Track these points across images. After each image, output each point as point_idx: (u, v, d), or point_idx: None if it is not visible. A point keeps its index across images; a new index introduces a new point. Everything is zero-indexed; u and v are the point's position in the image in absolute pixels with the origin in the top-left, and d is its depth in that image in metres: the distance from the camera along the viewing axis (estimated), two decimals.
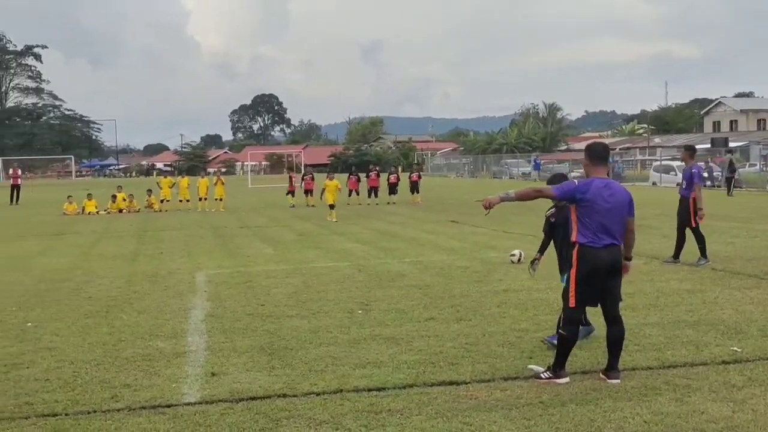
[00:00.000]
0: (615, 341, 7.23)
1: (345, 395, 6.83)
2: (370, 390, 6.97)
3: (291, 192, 37.28)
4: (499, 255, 15.74)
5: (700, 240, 14.19)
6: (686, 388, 6.81)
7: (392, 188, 38.52)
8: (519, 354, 8.10)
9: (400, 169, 51.61)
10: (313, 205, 34.88)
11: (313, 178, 37.37)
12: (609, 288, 7.15)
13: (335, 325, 9.67)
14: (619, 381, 7.03)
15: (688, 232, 14.38)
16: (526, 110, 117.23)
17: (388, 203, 36.67)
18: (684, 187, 14.52)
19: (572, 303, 7.18)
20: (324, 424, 6.13)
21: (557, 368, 7.12)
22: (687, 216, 14.34)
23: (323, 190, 30.14)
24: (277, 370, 7.66)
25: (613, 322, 7.25)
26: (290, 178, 39.14)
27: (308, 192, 36.43)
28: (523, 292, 11.70)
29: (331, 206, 28.02)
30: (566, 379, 7.07)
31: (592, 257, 7.03)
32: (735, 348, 8.11)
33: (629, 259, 7.36)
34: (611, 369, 7.17)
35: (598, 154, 7.34)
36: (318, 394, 6.87)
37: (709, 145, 62.24)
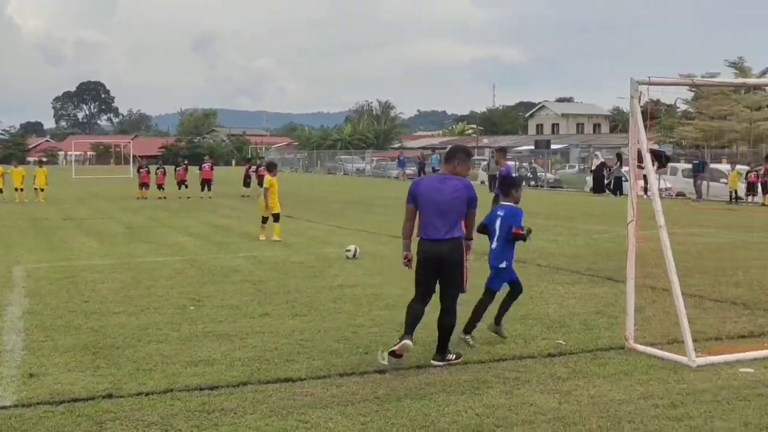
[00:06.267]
0: (441, 328, 7.61)
1: (175, 395, 6.57)
2: (202, 389, 6.74)
3: (144, 185, 35.87)
4: (335, 250, 15.72)
5: None
6: (516, 380, 7.01)
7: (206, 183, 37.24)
8: (354, 349, 8.08)
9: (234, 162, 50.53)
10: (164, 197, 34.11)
11: (162, 172, 36.31)
12: (443, 279, 7.51)
13: (165, 321, 9.32)
14: (439, 363, 7.47)
15: None
16: (360, 107, 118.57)
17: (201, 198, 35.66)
18: (497, 186, 14.91)
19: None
20: (153, 426, 5.86)
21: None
22: None
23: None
24: (102, 370, 7.28)
25: (444, 312, 7.60)
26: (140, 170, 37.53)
27: (152, 186, 35.38)
28: (358, 287, 11.72)
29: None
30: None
31: (425, 248, 7.45)
32: (560, 341, 8.43)
33: (470, 239, 7.72)
34: (436, 352, 7.60)
35: (445, 156, 7.92)
36: (146, 395, 6.58)
37: (533, 147, 65.14)
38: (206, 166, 37.10)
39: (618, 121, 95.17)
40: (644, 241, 8.34)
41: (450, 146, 8.66)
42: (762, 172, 31.45)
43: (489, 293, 8.54)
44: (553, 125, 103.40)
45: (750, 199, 32.08)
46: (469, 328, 8.32)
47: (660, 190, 36.43)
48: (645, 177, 32.01)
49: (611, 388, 6.78)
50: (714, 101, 62.62)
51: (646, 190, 39.02)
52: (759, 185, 31.54)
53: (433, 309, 7.70)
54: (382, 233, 19.38)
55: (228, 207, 29.99)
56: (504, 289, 8.67)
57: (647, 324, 8.91)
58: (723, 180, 34.93)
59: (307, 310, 10.04)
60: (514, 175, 15.67)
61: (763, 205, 30.45)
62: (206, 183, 36.38)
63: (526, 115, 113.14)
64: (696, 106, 67.55)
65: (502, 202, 8.76)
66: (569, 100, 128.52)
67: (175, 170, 38.07)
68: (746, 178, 32.26)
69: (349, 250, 14.81)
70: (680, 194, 37.60)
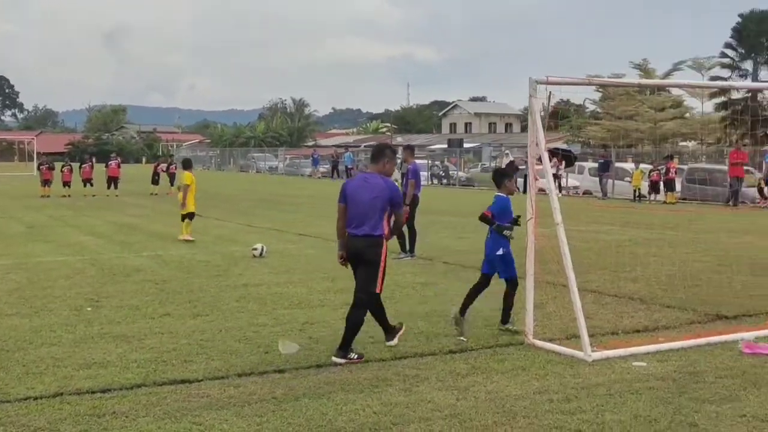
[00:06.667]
0: (346, 322, 7.68)
1: (65, 399, 6.35)
2: (93, 392, 6.54)
3: (47, 182, 34.68)
4: (241, 249, 15.53)
5: (413, 235, 14.66)
6: (415, 378, 7.02)
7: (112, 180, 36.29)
8: (255, 349, 7.97)
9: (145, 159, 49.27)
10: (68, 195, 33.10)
11: (68, 169, 35.18)
12: (358, 273, 7.76)
13: (60, 323, 9.03)
14: (339, 361, 7.45)
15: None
16: (274, 105, 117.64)
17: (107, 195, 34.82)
18: (404, 183, 14.98)
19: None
20: (39, 431, 5.66)
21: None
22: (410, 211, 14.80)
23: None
24: None
25: (352, 307, 7.73)
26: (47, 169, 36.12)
27: (57, 184, 34.27)
28: (263, 286, 11.59)
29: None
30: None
31: (348, 243, 7.79)
32: (461, 338, 8.49)
33: (389, 238, 7.88)
34: (338, 348, 7.59)
35: (372, 155, 8.19)
36: (35, 399, 6.35)
37: (446, 146, 65.78)
38: (113, 163, 36.26)
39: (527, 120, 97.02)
40: (546, 238, 8.48)
41: (376, 144, 8.85)
42: (664, 171, 32.43)
43: (484, 277, 8.88)
44: (466, 124, 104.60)
45: (653, 197, 33.05)
46: (463, 311, 8.66)
47: (568, 188, 37.22)
48: (556, 176, 32.63)
49: (508, 384, 6.85)
50: (620, 102, 64.46)
51: (560, 187, 39.41)
52: (661, 184, 32.50)
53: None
54: (291, 231, 19.31)
55: (135, 205, 29.32)
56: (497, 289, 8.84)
57: (547, 320, 9.06)
58: (627, 179, 35.90)
59: (209, 310, 9.87)
60: (421, 172, 15.74)
61: (665, 203, 31.42)
62: (112, 181, 35.51)
63: (440, 114, 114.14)
64: (603, 107, 69.43)
65: (497, 194, 9.08)
66: (482, 99, 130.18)
67: (80, 168, 37.05)
68: (649, 177, 33.22)
69: (255, 249, 14.65)
70: (587, 192, 38.54)
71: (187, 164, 18.47)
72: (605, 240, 17.44)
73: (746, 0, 74.57)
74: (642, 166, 34.67)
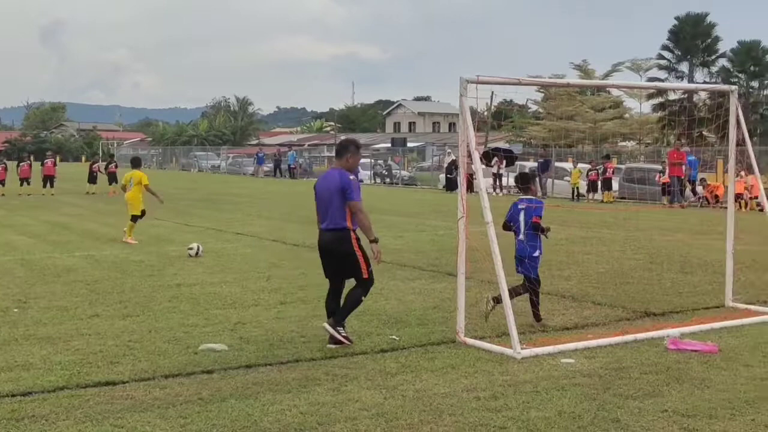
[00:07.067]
0: (347, 296, 8.17)
1: None
2: (14, 395, 6.39)
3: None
4: (177, 248, 15.33)
5: None
6: (344, 377, 7.00)
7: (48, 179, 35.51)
8: (184, 350, 7.87)
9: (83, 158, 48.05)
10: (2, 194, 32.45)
11: (2, 167, 34.44)
12: (339, 269, 8.15)
13: None
14: (329, 329, 7.96)
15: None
16: (217, 103, 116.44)
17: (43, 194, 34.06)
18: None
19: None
20: None
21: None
22: None
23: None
24: None
25: (354, 287, 8.19)
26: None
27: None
28: (197, 286, 11.46)
29: None
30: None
31: (319, 238, 8.21)
32: (393, 336, 8.50)
33: (374, 241, 8.08)
34: (332, 317, 8.08)
35: (336, 150, 8.45)
36: None
37: (389, 145, 65.90)
38: (48, 161, 35.49)
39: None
40: (483, 237, 8.51)
41: (340, 140, 9.27)
42: (602, 170, 32.92)
43: (532, 281, 9.24)
44: (410, 123, 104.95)
45: (591, 196, 33.54)
46: (498, 300, 8.81)
47: (509, 187, 37.35)
48: (495, 175, 32.97)
49: (437, 382, 6.87)
50: (561, 102, 65.30)
51: (501, 187, 39.61)
52: (599, 183, 32.99)
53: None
54: (229, 231, 19.16)
55: (70, 204, 28.77)
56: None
57: (480, 318, 9.11)
58: (567, 178, 36.38)
59: (140, 311, 9.72)
60: (363, 171, 15.74)
61: (602, 202, 31.91)
62: (48, 179, 34.73)
63: (384, 113, 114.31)
64: (545, 107, 70.25)
65: (523, 197, 9.47)
66: (427, 99, 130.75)
67: (18, 167, 36.21)
68: (587, 176, 33.70)
69: (191, 249, 14.47)
70: None
71: (136, 163, 17.86)
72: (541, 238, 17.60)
73: (683, 3, 76.33)
74: (580, 165, 35.15)
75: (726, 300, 10.35)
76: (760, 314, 9.68)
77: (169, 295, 10.76)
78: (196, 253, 14.32)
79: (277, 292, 10.98)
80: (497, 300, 8.71)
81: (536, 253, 9.31)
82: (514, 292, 8.99)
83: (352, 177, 8.08)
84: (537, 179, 10.10)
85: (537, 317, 9.26)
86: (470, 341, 8.22)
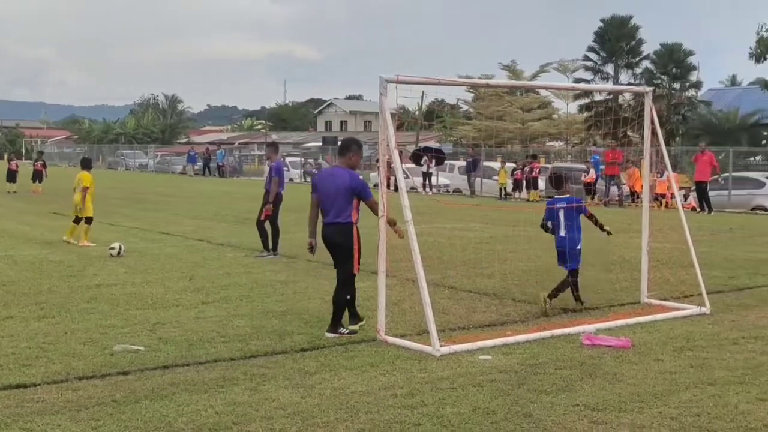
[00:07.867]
0: (333, 302, 8.63)
1: None
2: None
3: None
4: (98, 248, 15.05)
5: (270, 233, 14.52)
6: (263, 377, 6.97)
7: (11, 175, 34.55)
8: (100, 351, 7.74)
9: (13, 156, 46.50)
10: None
11: None
12: (334, 258, 8.75)
13: None
14: (331, 335, 8.37)
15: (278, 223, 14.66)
16: (146, 101, 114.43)
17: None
18: (268, 181, 14.82)
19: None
20: None
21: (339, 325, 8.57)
22: (273, 209, 14.61)
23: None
24: None
25: (337, 287, 8.67)
26: None
27: None
28: (117, 286, 11.28)
29: None
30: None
31: (322, 231, 8.66)
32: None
33: (392, 223, 8.51)
34: (329, 325, 8.53)
35: (339, 149, 8.92)
36: None
37: (321, 143, 65.78)
38: None
39: (404, 120, 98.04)
40: (428, 236, 8.54)
41: (342, 139, 9.64)
42: (528, 170, 33.41)
43: (574, 273, 10.02)
44: (341, 122, 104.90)
45: (517, 194, 34.02)
46: (552, 295, 9.87)
47: (438, 186, 37.73)
48: (425, 174, 32.98)
49: (355, 380, 6.90)
50: (491, 102, 66.13)
51: (431, 186, 39.78)
52: (524, 182, 33.49)
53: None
54: (153, 230, 18.89)
55: None
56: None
57: (402, 316, 9.19)
58: (495, 177, 36.80)
59: (56, 312, 9.52)
60: (285, 169, 15.69)
61: (528, 200, 32.38)
62: None
63: (315, 111, 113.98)
64: (475, 107, 71.03)
65: (558, 196, 10.35)
66: (359, 97, 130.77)
67: None
68: (512, 176, 34.19)
69: (113, 248, 14.22)
70: (457, 190, 39.32)
71: (86, 164, 16.77)
72: (468, 237, 17.81)
73: (608, 4, 77.95)
74: (507, 164, 35.60)
75: (641, 296, 10.63)
76: (672, 310, 9.98)
77: (87, 295, 10.56)
78: (118, 253, 14.08)
79: (199, 292, 10.88)
80: (552, 296, 9.75)
81: (579, 246, 10.06)
82: (557, 291, 9.88)
83: (360, 177, 8.66)
84: (569, 180, 10.67)
85: (579, 300, 10.07)
86: (391, 339, 8.28)
